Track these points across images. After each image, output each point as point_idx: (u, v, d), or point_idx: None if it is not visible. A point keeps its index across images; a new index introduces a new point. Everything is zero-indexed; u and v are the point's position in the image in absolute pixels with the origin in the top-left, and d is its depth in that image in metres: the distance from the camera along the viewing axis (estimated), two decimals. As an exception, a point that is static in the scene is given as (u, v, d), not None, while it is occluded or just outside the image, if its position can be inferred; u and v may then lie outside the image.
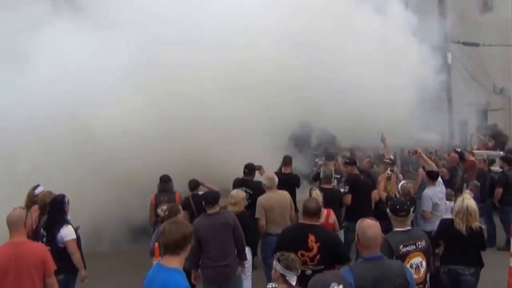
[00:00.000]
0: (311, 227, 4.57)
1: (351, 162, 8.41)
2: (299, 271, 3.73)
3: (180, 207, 5.95)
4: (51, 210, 5.45)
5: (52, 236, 5.25)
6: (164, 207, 7.37)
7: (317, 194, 6.36)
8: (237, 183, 7.68)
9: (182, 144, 9.15)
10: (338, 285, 2.63)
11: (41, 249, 4.40)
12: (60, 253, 5.21)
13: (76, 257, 5.28)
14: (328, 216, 6.25)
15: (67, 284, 5.31)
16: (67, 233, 5.29)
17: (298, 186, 8.18)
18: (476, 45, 16.86)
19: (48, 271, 4.26)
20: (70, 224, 5.43)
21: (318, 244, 4.44)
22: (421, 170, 9.17)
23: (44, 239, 5.30)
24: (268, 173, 7.35)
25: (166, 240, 3.22)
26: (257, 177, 8.14)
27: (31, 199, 6.57)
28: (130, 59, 9.07)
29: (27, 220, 4.40)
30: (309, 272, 4.34)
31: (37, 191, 6.63)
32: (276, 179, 6.84)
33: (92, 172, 8.69)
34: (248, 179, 7.84)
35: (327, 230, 4.76)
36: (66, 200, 5.58)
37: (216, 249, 5.28)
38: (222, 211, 5.57)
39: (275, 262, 3.66)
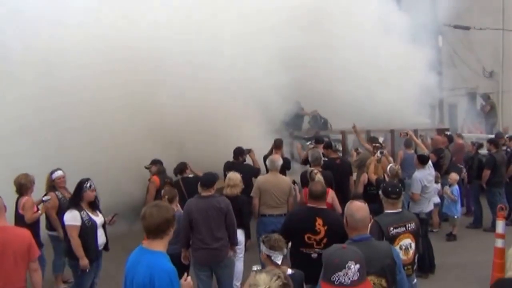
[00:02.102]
0: (319, 211, 4.62)
1: (327, 145, 8.45)
2: (285, 250, 3.76)
3: (176, 192, 5.95)
4: (73, 193, 5.43)
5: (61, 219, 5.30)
6: (167, 188, 7.36)
7: (319, 177, 6.39)
8: (227, 167, 7.72)
9: (170, 127, 9.04)
10: (355, 264, 2.56)
11: (26, 234, 4.33)
12: (66, 236, 5.26)
13: (73, 244, 5.14)
14: (326, 196, 6.22)
15: (74, 267, 5.27)
16: (68, 217, 5.17)
17: (289, 168, 8.22)
18: (467, 28, 16.89)
19: (32, 256, 4.24)
20: (76, 209, 5.21)
21: (325, 227, 4.49)
22: (400, 152, 9.28)
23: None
24: (274, 155, 7.40)
25: (147, 224, 3.20)
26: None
27: (49, 184, 6.48)
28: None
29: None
30: (315, 255, 4.42)
31: (55, 175, 6.47)
32: (278, 162, 6.87)
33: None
34: (238, 163, 7.89)
35: (334, 213, 4.84)
36: (88, 185, 5.30)
37: (207, 231, 5.29)
38: (216, 195, 5.54)
39: (261, 245, 3.70)
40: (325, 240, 4.46)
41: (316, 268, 3.41)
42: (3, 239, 4.10)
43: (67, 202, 5.83)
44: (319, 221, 4.51)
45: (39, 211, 6.26)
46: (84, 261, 5.13)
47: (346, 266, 2.53)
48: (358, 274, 2.54)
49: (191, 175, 7.53)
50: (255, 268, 3.62)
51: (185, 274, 3.22)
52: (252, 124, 9.58)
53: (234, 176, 6.29)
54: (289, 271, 3.68)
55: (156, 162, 7.86)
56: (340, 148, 11.25)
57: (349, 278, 2.52)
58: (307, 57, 10.38)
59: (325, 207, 4.77)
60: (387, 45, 11.90)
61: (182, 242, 5.37)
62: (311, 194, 4.69)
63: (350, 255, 2.60)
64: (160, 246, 3.20)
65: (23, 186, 6.21)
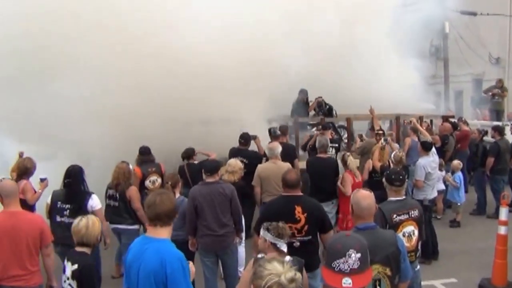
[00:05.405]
0: (297, 199, 4.54)
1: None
2: (288, 238, 3.78)
3: (179, 178, 5.97)
4: (72, 182, 5.33)
5: (79, 207, 5.18)
6: (153, 178, 7.28)
7: (352, 160, 6.65)
8: (233, 153, 7.74)
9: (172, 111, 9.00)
10: (357, 253, 2.54)
11: (38, 219, 4.39)
12: None
13: (104, 225, 5.28)
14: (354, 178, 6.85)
15: (94, 254, 5.31)
16: (97, 202, 5.30)
17: (295, 156, 8.17)
18: (474, 14, 16.72)
19: (45, 241, 4.29)
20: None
21: (305, 214, 4.44)
22: (408, 139, 9.30)
23: (67, 212, 5.22)
24: (272, 143, 7.40)
25: (157, 211, 3.15)
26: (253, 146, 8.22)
27: (128, 177, 6.16)
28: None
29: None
30: (297, 244, 4.36)
31: (132, 167, 6.36)
32: (277, 150, 6.88)
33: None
34: (244, 149, 7.90)
35: (311, 200, 4.76)
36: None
37: (212, 218, 5.31)
38: (221, 181, 5.58)
39: (263, 232, 3.67)
40: (306, 228, 4.43)
41: (300, 257, 3.44)
42: (14, 224, 4.14)
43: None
44: (298, 209, 4.44)
45: (39, 190, 6.29)
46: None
47: (347, 254, 2.53)
48: (359, 263, 2.53)
49: (196, 162, 7.56)
50: (260, 256, 3.62)
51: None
52: (258, 110, 9.55)
53: (234, 163, 6.31)
54: (288, 257, 3.70)
55: (142, 152, 7.50)
56: (346, 135, 11.27)
57: (348, 266, 2.52)
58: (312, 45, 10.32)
59: (301, 194, 4.69)
60: (393, 32, 11.80)
61: (188, 229, 5.39)
62: (286, 182, 4.58)
63: (352, 244, 2.59)
64: (165, 233, 3.18)
65: (27, 170, 6.26)
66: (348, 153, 7.41)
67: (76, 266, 3.69)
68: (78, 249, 3.83)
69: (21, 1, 7.92)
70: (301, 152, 9.32)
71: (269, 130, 8.53)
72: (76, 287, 3.68)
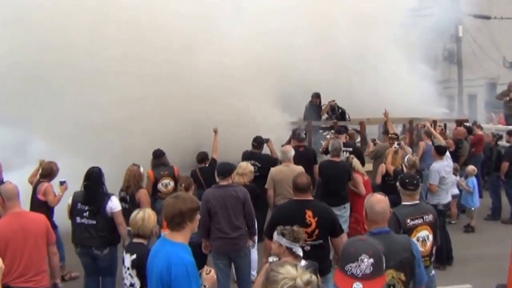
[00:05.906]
0: (308, 203, 4.54)
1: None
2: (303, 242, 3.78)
3: (192, 181, 6.00)
4: (92, 183, 5.39)
5: (98, 209, 5.27)
6: (166, 181, 7.30)
7: (356, 161, 6.73)
8: (246, 156, 7.75)
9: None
10: (369, 258, 2.50)
11: (43, 218, 4.49)
12: (107, 225, 5.27)
13: (123, 228, 5.31)
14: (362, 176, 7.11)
15: (113, 256, 5.37)
16: (116, 204, 5.35)
17: (316, 162, 8.01)
18: (488, 18, 16.60)
19: (51, 239, 4.41)
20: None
21: (316, 219, 4.44)
22: (422, 143, 9.25)
23: (86, 214, 5.28)
24: (285, 146, 7.41)
25: (164, 214, 3.20)
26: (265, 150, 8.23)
27: (139, 180, 6.24)
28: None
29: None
30: (307, 248, 4.33)
31: (142, 169, 6.44)
32: (290, 153, 6.87)
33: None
34: (257, 152, 7.91)
35: (322, 204, 4.76)
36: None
37: (225, 221, 5.33)
38: (234, 184, 5.60)
39: (277, 237, 3.65)
40: (317, 232, 4.42)
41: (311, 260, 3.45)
42: (22, 224, 4.23)
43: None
44: (308, 213, 4.44)
45: (60, 193, 6.39)
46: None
47: (359, 258, 2.50)
48: (371, 269, 2.49)
49: (207, 165, 7.59)
50: (271, 259, 3.62)
51: (206, 267, 3.20)
52: (271, 114, 9.59)
53: (245, 165, 6.33)
54: (303, 262, 3.70)
55: (155, 155, 7.54)
56: (358, 139, 11.22)
57: (361, 271, 2.49)
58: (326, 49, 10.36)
59: (312, 198, 4.69)
60: (406, 35, 11.77)
61: (201, 231, 5.38)
62: (297, 186, 4.58)
63: (365, 248, 2.55)
64: (179, 237, 3.16)
65: (52, 172, 6.42)
66: (352, 156, 7.42)
67: (134, 256, 3.94)
68: (136, 240, 4.10)
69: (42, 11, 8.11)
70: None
71: (294, 132, 8.44)
72: (135, 276, 3.90)
